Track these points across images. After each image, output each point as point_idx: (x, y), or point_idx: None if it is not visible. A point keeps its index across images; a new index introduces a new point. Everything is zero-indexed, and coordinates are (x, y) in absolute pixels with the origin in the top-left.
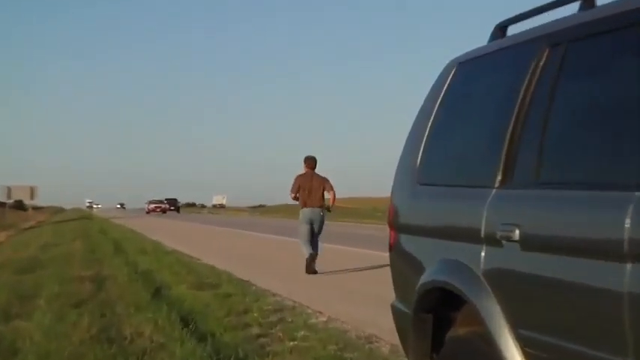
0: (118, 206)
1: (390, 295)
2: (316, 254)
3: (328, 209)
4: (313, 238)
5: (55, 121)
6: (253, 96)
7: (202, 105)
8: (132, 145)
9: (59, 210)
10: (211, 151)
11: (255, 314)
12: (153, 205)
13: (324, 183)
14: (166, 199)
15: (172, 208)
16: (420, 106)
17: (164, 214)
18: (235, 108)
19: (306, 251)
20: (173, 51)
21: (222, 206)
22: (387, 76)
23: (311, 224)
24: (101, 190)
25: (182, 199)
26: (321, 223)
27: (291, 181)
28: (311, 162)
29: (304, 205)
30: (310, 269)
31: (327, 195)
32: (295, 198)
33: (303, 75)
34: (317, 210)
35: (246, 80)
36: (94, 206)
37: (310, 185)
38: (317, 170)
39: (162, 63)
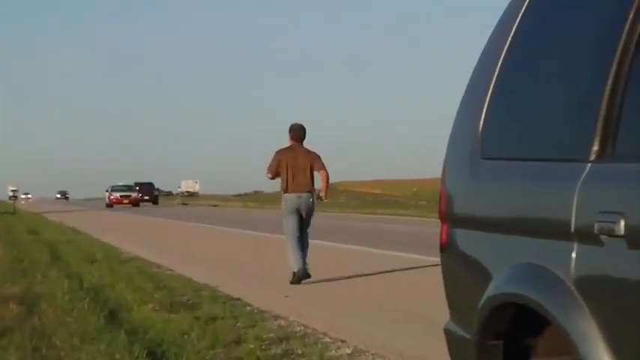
0: (59, 196)
1: (443, 316)
2: (304, 253)
3: (319, 197)
4: (302, 235)
5: None
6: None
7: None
8: (82, 118)
9: None
10: (191, 124)
11: (251, 345)
12: (117, 195)
13: (313, 160)
14: (137, 184)
15: (147, 198)
16: (480, 49)
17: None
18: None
19: (294, 262)
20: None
21: (193, 194)
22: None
23: (299, 215)
24: (34, 176)
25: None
26: (310, 213)
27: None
28: (298, 132)
29: (287, 189)
30: (295, 281)
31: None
32: (273, 179)
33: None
34: (305, 196)
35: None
36: (22, 196)
37: (295, 163)
38: (306, 144)
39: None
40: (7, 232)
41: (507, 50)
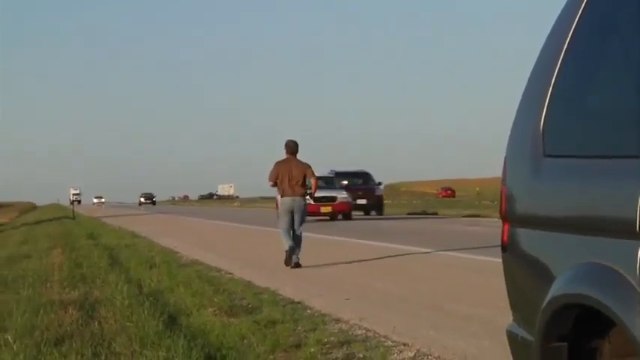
0: (95, 201)
1: (506, 318)
2: (297, 247)
3: (310, 194)
4: (294, 231)
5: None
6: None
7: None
8: (124, 129)
9: (30, 207)
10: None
11: (311, 349)
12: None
13: (306, 170)
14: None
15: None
16: (542, 41)
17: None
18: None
19: (286, 244)
20: None
21: (230, 197)
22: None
23: (291, 215)
24: (82, 182)
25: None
26: (303, 212)
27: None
28: (292, 147)
29: (283, 193)
30: (289, 262)
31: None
32: (274, 186)
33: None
34: (298, 199)
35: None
36: (95, 200)
37: (290, 172)
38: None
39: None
40: (66, 237)
41: (568, 46)
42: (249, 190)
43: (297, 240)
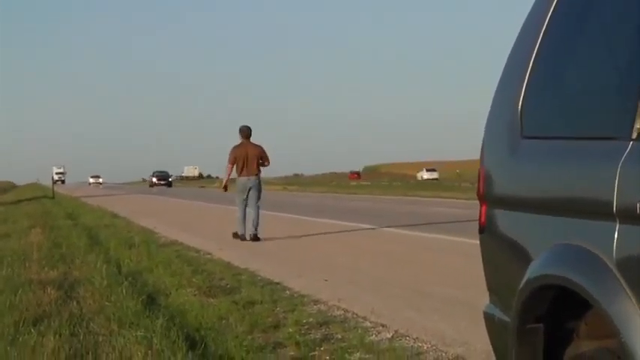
0: (92, 181)
1: (484, 299)
2: (256, 220)
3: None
4: (250, 207)
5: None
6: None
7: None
8: (111, 105)
9: (9, 186)
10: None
11: (290, 329)
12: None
13: (260, 153)
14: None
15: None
16: (520, 25)
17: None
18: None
19: (240, 227)
20: None
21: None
22: None
23: (247, 193)
24: (65, 161)
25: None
26: (259, 190)
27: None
28: (246, 131)
29: (240, 173)
30: (242, 238)
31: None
32: (233, 167)
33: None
34: (253, 178)
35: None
36: (92, 180)
37: (246, 155)
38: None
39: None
40: (46, 216)
41: (546, 26)
42: (214, 172)
43: (255, 213)
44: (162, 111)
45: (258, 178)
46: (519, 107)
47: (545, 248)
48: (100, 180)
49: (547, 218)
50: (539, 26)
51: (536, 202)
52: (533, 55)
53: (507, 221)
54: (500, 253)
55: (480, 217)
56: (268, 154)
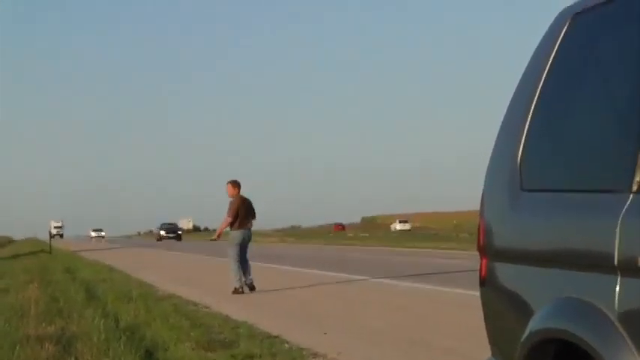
0: (94, 234)
1: (484, 351)
2: (248, 272)
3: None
4: (246, 259)
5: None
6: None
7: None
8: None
9: (6, 241)
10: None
11: None
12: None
13: (251, 206)
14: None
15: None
16: (519, 76)
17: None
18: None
19: (237, 280)
20: None
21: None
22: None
23: (244, 245)
24: (63, 215)
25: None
26: (249, 242)
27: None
28: (240, 186)
29: (239, 226)
30: (241, 291)
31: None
32: (234, 221)
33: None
34: (248, 231)
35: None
36: (93, 234)
37: (244, 208)
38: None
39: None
40: (43, 271)
41: (546, 78)
42: (207, 223)
43: (248, 265)
44: (157, 162)
45: (250, 231)
46: (519, 159)
47: (546, 301)
48: (103, 234)
49: (548, 271)
50: (538, 78)
51: (537, 255)
52: (533, 106)
53: (508, 274)
54: (502, 306)
55: (481, 269)
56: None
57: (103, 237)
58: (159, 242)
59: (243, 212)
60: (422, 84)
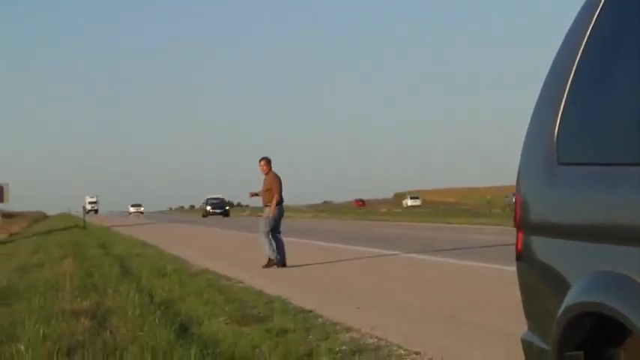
0: (133, 210)
1: (520, 326)
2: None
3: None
4: (279, 233)
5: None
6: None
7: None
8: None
9: (41, 216)
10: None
11: (323, 358)
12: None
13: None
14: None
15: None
16: (555, 50)
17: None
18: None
19: (273, 249)
20: None
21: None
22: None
23: (279, 220)
24: (98, 190)
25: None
26: None
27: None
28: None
29: (281, 201)
30: (273, 264)
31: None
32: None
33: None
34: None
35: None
36: (132, 210)
37: (281, 184)
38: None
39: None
40: (77, 246)
41: (583, 51)
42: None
43: (283, 242)
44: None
45: None
46: (555, 134)
47: (583, 275)
48: (142, 209)
49: (585, 245)
50: (576, 51)
51: (573, 228)
52: (570, 80)
53: (545, 248)
54: (538, 281)
55: (517, 244)
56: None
57: (142, 212)
58: (204, 219)
59: (281, 188)
60: (457, 60)
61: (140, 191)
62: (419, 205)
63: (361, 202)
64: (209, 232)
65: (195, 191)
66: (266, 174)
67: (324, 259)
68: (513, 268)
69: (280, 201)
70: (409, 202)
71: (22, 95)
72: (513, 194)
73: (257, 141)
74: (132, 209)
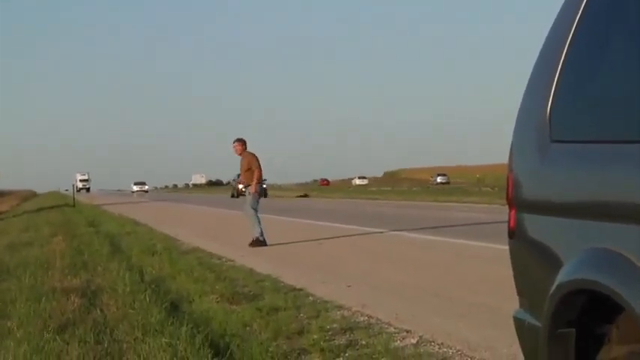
0: (136, 188)
1: (513, 305)
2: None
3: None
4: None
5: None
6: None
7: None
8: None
9: (31, 195)
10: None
11: (314, 336)
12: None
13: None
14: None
15: None
16: (547, 28)
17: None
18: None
19: (260, 228)
20: None
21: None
22: None
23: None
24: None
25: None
26: None
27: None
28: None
29: (259, 181)
30: (260, 245)
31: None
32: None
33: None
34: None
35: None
36: (135, 188)
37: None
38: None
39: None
40: (67, 224)
41: (575, 29)
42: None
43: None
44: (171, 118)
45: None
46: (548, 111)
47: (576, 252)
48: (146, 187)
49: (578, 222)
50: (568, 29)
51: (566, 206)
52: (562, 57)
53: (537, 226)
54: (531, 258)
55: (510, 221)
56: None
57: (146, 191)
58: (233, 199)
59: (260, 164)
60: (445, 39)
61: (135, 171)
62: (366, 185)
63: (326, 182)
64: (192, 210)
65: (178, 170)
66: (240, 154)
67: (313, 237)
68: (505, 247)
69: (261, 178)
70: (357, 182)
71: (10, 74)
72: (438, 175)
73: (245, 123)
74: (135, 187)
